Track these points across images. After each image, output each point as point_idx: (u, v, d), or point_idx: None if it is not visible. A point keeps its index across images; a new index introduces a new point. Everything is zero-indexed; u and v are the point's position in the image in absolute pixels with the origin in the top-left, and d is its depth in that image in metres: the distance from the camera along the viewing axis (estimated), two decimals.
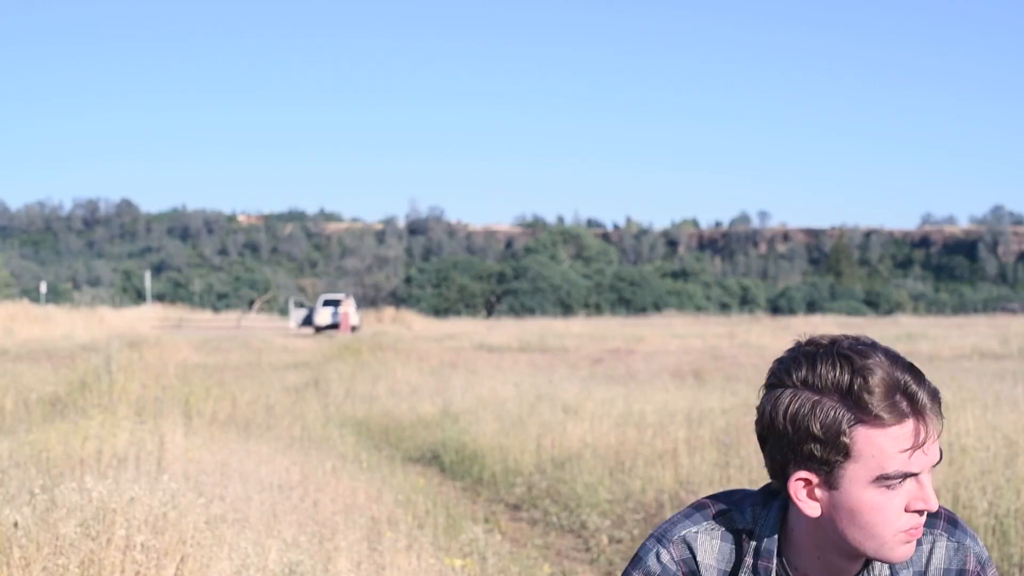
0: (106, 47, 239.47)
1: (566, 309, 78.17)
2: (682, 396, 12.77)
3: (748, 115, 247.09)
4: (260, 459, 8.02)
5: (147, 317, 49.39)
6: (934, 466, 1.60)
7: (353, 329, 43.01)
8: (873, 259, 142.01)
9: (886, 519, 1.58)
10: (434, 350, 25.50)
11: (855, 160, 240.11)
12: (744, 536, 1.71)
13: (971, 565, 1.71)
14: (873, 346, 1.59)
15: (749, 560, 1.70)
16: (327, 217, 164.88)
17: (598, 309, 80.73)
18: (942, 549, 1.71)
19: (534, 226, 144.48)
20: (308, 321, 47.38)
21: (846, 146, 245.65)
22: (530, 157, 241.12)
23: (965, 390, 12.47)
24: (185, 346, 23.83)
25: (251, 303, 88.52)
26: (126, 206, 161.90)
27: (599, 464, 9.21)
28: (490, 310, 79.36)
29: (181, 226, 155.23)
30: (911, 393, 1.56)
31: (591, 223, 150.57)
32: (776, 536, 1.70)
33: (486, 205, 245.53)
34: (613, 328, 43.04)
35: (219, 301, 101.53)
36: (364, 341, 26.34)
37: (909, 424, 1.56)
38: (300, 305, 64.08)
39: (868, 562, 1.67)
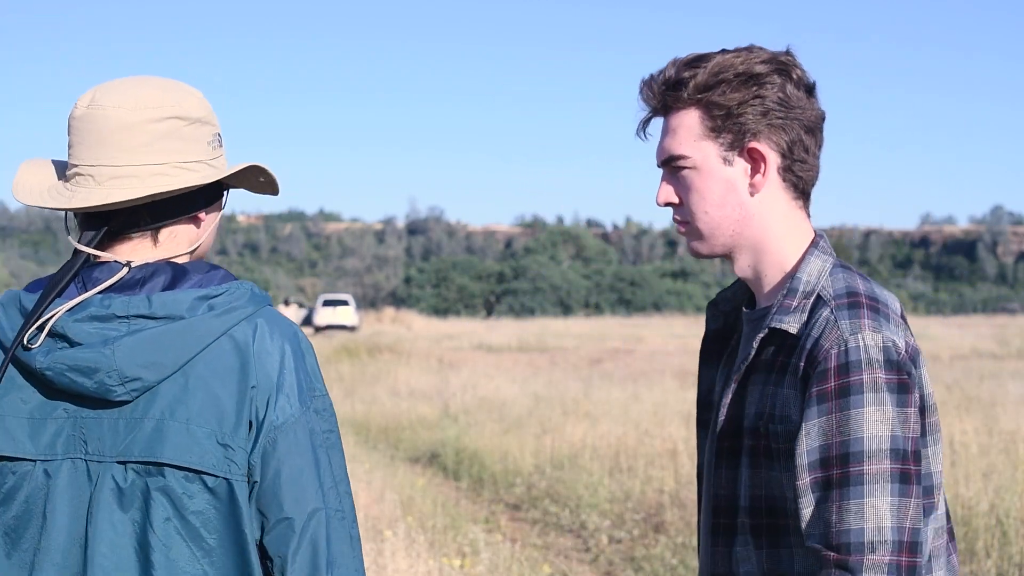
0: (105, 47, 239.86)
1: (566, 309, 78.13)
2: (682, 396, 12.77)
3: None
4: None
5: None
6: (671, 164, 1.73)
7: (352, 329, 43.06)
8: (872, 259, 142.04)
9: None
10: (434, 350, 25.49)
11: (855, 160, 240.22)
12: None
13: (827, 344, 1.57)
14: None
15: None
16: (327, 217, 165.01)
17: (598, 309, 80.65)
18: (820, 318, 1.62)
19: (534, 226, 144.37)
20: (307, 321, 47.40)
21: (845, 146, 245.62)
22: (530, 157, 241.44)
23: (965, 391, 12.48)
24: None
25: None
26: None
27: (599, 464, 9.20)
28: (490, 310, 79.31)
29: None
30: (642, 90, 1.78)
31: (591, 223, 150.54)
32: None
33: (486, 205, 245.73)
34: (613, 328, 42.98)
35: None
36: (364, 341, 26.31)
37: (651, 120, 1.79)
38: (300, 305, 64.07)
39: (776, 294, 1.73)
